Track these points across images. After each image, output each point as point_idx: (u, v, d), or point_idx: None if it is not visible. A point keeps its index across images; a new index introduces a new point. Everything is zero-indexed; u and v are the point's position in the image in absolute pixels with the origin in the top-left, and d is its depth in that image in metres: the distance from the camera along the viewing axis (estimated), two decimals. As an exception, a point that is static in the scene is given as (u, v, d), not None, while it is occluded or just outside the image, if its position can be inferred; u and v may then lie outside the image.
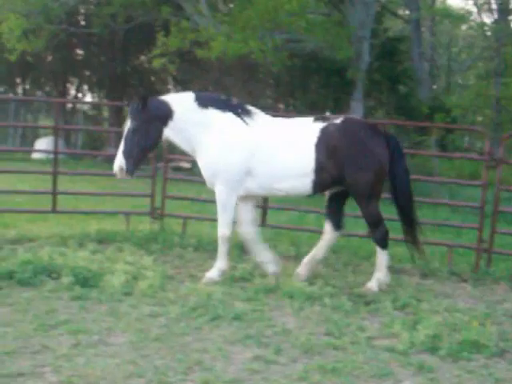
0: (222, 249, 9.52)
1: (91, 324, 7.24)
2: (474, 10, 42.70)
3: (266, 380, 5.98)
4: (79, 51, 39.04)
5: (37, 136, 32.24)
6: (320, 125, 9.28)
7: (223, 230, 9.54)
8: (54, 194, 11.90)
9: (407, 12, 33.93)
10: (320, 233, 12.22)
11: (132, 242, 10.94)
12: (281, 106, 31.26)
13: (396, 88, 27.23)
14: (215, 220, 12.78)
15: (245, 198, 9.63)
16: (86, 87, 42.50)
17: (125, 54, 35.04)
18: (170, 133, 9.32)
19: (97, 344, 6.66)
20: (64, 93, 39.82)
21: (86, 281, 8.58)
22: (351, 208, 16.03)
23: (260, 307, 8.16)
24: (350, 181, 9.19)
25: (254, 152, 9.21)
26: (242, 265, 10.09)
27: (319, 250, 9.75)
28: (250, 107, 9.57)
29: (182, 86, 36.28)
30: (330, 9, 23.60)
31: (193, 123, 9.27)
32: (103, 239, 11.37)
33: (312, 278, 9.51)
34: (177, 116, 9.24)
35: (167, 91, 38.10)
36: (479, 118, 39.61)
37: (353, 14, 22.36)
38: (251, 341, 6.96)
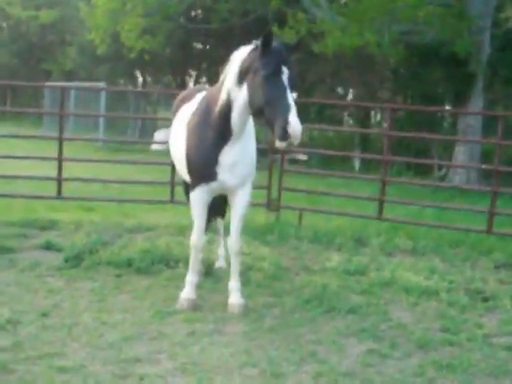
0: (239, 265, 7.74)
1: (207, 313, 7.34)
2: None
3: (380, 374, 5.93)
4: (197, 44, 39.60)
5: (156, 128, 32.85)
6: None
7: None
8: (173, 184, 12.13)
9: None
10: (438, 227, 12.11)
11: (248, 233, 10.91)
12: (400, 98, 30.90)
13: (519, 80, 26.42)
14: (331, 212, 12.86)
15: None
16: (204, 79, 43.01)
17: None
18: None
19: (212, 333, 6.75)
20: (183, 85, 40.43)
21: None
22: (469, 202, 15.77)
23: (375, 301, 8.11)
24: None
25: None
26: (356, 257, 10.04)
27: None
28: None
29: (299, 76, 36.32)
30: (449, -1, 23.04)
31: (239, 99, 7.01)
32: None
33: (429, 273, 9.38)
34: None
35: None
36: None
37: (472, 3, 21.81)
38: (366, 334, 6.92)
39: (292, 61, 6.65)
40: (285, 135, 6.19)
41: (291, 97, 6.37)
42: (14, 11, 39.07)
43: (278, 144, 6.31)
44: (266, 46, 6.48)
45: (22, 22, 40.89)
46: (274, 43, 6.54)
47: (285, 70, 6.45)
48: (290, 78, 6.48)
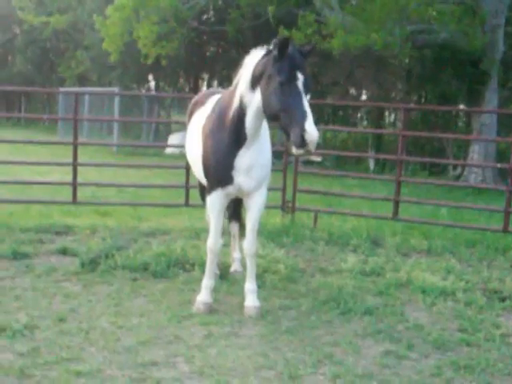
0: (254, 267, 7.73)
1: (223, 316, 7.34)
2: None
3: (397, 375, 5.91)
4: (210, 47, 39.67)
5: (169, 131, 32.93)
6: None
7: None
8: (187, 188, 12.15)
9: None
10: (453, 226, 12.06)
11: (263, 235, 10.91)
12: (414, 98, 30.83)
13: (533, 77, 26.30)
14: (346, 214, 12.83)
15: None
16: (216, 82, 43.08)
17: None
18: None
19: (228, 336, 6.75)
20: (196, 88, 40.49)
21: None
22: (485, 201, 15.71)
23: (391, 302, 8.09)
24: None
25: None
26: (372, 258, 10.01)
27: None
28: None
29: (313, 78, 36.38)
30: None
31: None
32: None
33: (445, 273, 9.35)
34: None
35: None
36: None
37: (485, 1, 21.71)
38: (382, 335, 6.89)
39: (306, 65, 6.57)
40: (302, 143, 6.14)
41: (307, 103, 6.30)
42: (27, 17, 39.19)
43: (295, 151, 6.27)
44: (281, 52, 6.42)
45: (34, 28, 40.96)
46: (289, 48, 6.48)
47: (300, 76, 6.39)
48: (305, 84, 6.41)
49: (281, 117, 6.40)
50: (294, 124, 6.22)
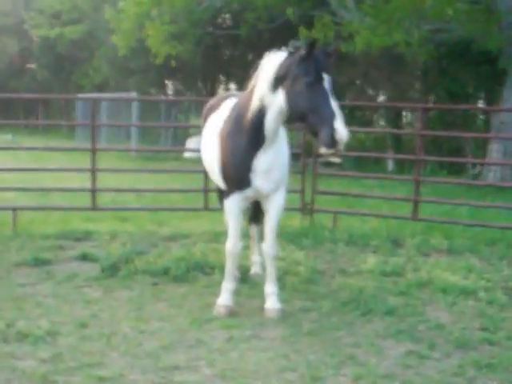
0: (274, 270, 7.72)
1: (244, 319, 7.35)
2: None
3: (419, 375, 5.89)
4: (226, 50, 39.71)
5: (188, 135, 32.94)
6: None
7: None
8: (206, 191, 12.14)
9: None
10: (473, 225, 12.00)
11: (283, 237, 10.82)
12: (431, 97, 30.66)
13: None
14: (366, 215, 12.80)
15: None
16: (233, 85, 43.10)
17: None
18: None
19: (250, 338, 6.75)
20: (213, 91, 40.50)
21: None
22: (504, 199, 15.62)
23: (412, 302, 8.07)
24: None
25: None
26: (392, 259, 9.99)
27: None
28: None
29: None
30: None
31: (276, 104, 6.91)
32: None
33: (466, 272, 9.31)
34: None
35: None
36: None
37: (501, -1, 21.58)
38: (404, 336, 6.87)
39: (330, 66, 6.60)
40: (332, 142, 6.17)
41: (335, 103, 6.32)
42: (41, 32, 39.44)
43: (325, 151, 6.29)
44: (308, 53, 6.44)
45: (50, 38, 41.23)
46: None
47: (325, 77, 6.43)
48: (331, 84, 6.45)
49: (308, 117, 6.43)
50: (324, 124, 6.25)
